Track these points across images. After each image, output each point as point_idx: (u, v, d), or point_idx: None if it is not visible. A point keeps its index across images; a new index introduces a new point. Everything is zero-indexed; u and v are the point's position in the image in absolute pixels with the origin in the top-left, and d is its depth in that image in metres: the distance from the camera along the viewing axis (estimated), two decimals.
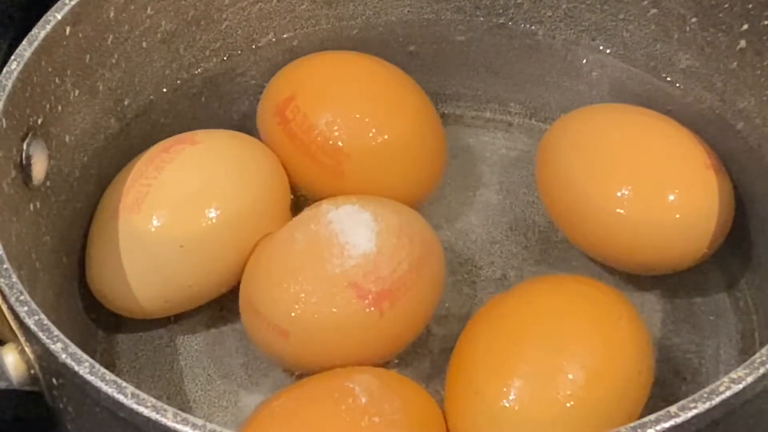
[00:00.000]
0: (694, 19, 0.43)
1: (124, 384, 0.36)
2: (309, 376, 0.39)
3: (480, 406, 0.37)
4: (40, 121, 0.43)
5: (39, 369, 0.38)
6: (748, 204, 0.42)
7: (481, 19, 0.46)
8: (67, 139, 0.43)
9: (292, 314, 0.39)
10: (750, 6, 0.40)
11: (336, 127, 0.42)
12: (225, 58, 0.45)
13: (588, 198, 0.41)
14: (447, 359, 0.39)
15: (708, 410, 0.34)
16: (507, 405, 0.36)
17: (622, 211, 0.41)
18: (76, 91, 0.43)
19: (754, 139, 0.42)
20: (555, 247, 0.43)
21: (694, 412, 0.35)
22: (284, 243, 0.40)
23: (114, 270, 0.40)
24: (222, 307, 0.42)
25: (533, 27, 0.45)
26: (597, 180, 0.41)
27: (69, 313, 0.38)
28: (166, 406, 0.36)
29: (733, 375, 0.34)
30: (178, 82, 0.44)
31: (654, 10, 0.44)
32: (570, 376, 0.37)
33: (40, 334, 0.36)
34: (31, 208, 0.41)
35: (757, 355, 0.35)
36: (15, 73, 0.39)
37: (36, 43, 0.39)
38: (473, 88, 0.46)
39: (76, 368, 0.36)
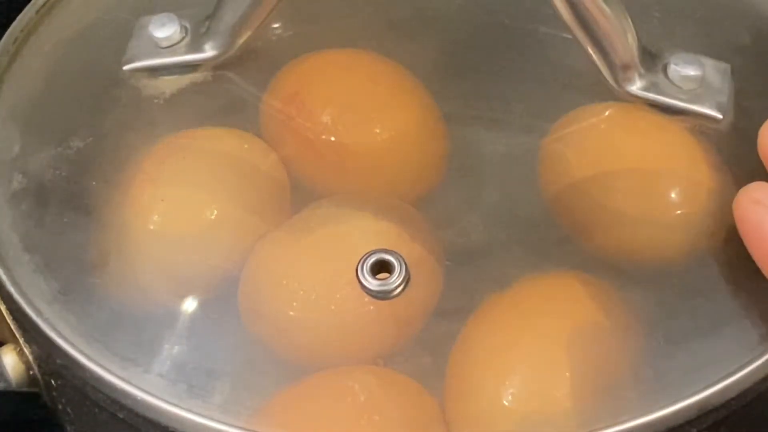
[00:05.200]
0: (697, 22, 0.43)
1: (123, 385, 0.36)
2: (308, 374, 0.39)
3: (480, 406, 0.37)
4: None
5: (38, 370, 0.38)
6: None
7: (483, 17, 0.46)
8: None
9: (291, 312, 0.39)
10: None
11: (341, 124, 0.42)
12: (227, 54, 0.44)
13: (590, 196, 0.41)
14: (446, 358, 0.39)
15: (709, 411, 0.34)
16: (507, 404, 0.36)
17: (624, 209, 0.41)
18: None
19: (757, 138, 0.42)
20: (556, 246, 0.43)
21: (695, 413, 0.35)
22: (284, 241, 0.40)
23: (113, 267, 0.40)
24: (221, 305, 0.42)
25: (535, 25, 0.45)
26: (599, 178, 0.41)
27: (67, 314, 0.38)
28: (165, 407, 0.36)
29: (734, 376, 0.35)
30: None
31: (657, 14, 0.44)
32: (570, 375, 0.37)
33: (39, 335, 0.36)
34: (29, 205, 0.41)
35: (759, 356, 0.35)
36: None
37: None
38: (475, 87, 0.46)
39: (75, 369, 0.36)
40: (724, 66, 0.43)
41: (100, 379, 0.36)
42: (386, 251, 0.38)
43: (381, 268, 0.38)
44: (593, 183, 0.41)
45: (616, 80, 0.42)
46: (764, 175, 0.42)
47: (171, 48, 0.44)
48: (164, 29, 0.43)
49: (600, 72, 0.42)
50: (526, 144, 0.44)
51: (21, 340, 0.38)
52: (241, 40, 0.43)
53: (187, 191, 0.41)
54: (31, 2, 0.45)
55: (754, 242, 0.35)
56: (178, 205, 0.41)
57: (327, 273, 0.39)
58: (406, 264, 0.38)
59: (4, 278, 0.39)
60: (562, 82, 0.45)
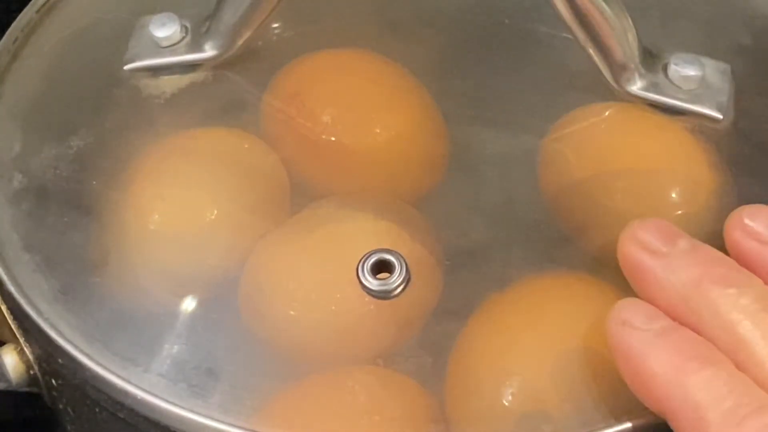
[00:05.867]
0: (697, 22, 0.43)
1: (123, 384, 0.36)
2: (308, 374, 0.38)
3: (480, 405, 0.37)
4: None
5: (38, 370, 0.38)
6: (751, 202, 0.42)
7: (483, 17, 0.46)
8: None
9: (291, 312, 0.39)
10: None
11: (341, 124, 0.42)
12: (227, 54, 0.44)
13: (590, 196, 0.41)
14: (446, 358, 0.39)
15: None
16: (507, 404, 0.36)
17: (624, 209, 0.41)
18: None
19: (757, 138, 0.42)
20: (556, 246, 0.43)
21: None
22: (284, 241, 0.40)
23: (113, 266, 0.40)
24: (221, 305, 0.42)
25: (535, 25, 0.45)
26: (599, 178, 0.41)
27: (68, 313, 0.38)
28: (165, 407, 0.36)
29: None
30: None
31: (657, 14, 0.44)
32: (570, 375, 0.37)
33: (40, 335, 0.36)
34: (30, 205, 0.41)
35: None
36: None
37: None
38: (475, 87, 0.46)
39: (75, 369, 0.36)
40: (724, 66, 0.43)
41: (100, 379, 0.36)
42: (386, 251, 0.38)
43: (381, 267, 0.38)
44: (593, 183, 0.41)
45: (616, 80, 0.42)
46: (765, 175, 0.42)
47: (171, 48, 0.44)
48: (164, 29, 0.43)
49: (600, 72, 0.42)
50: (526, 144, 0.44)
51: (21, 340, 0.38)
52: (241, 40, 0.43)
53: (187, 191, 0.41)
54: (31, 2, 0.45)
55: (624, 369, 0.33)
56: (178, 205, 0.41)
57: (327, 273, 0.39)
58: (406, 264, 0.38)
59: (5, 278, 0.39)
60: (562, 82, 0.45)
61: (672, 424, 0.32)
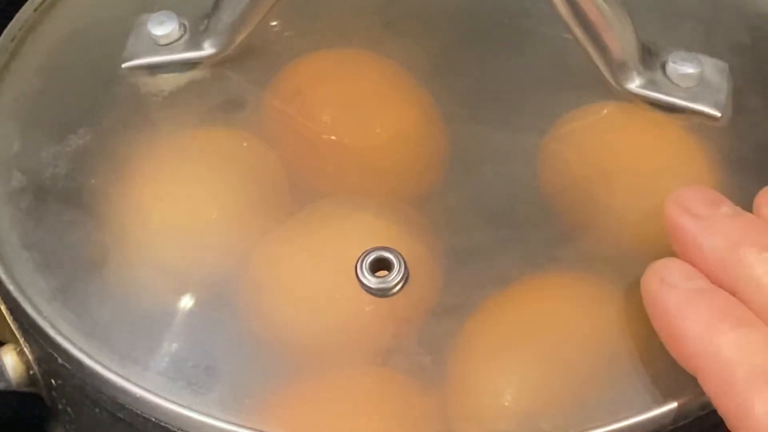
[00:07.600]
0: (696, 20, 0.43)
1: (123, 383, 0.36)
2: (308, 373, 0.38)
3: (480, 405, 0.37)
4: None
5: (38, 370, 0.38)
6: (749, 200, 0.42)
7: (483, 17, 0.46)
8: None
9: (291, 311, 0.39)
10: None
11: (341, 124, 0.42)
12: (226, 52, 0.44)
13: (589, 195, 0.41)
14: (446, 357, 0.39)
15: (711, 411, 0.34)
16: (507, 403, 0.37)
17: (623, 208, 0.41)
18: None
19: (755, 136, 0.42)
20: (556, 246, 0.43)
21: (696, 412, 0.35)
22: (284, 240, 0.40)
23: (112, 265, 0.40)
24: (221, 304, 0.42)
25: (535, 25, 0.45)
26: (598, 177, 0.41)
27: (67, 312, 0.38)
28: (165, 407, 0.36)
29: None
30: None
31: (656, 12, 0.44)
32: (569, 374, 0.37)
33: (39, 334, 0.36)
34: (28, 203, 0.41)
35: None
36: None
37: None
38: (475, 87, 0.46)
39: (75, 368, 0.36)
40: (723, 64, 0.43)
41: (99, 378, 0.36)
42: (385, 249, 0.39)
43: (380, 265, 0.38)
44: (593, 182, 0.41)
45: (615, 78, 0.42)
46: (763, 172, 0.42)
47: (170, 46, 0.44)
48: (163, 27, 0.43)
49: (599, 70, 0.42)
50: (526, 144, 0.44)
51: (21, 340, 0.38)
52: (240, 38, 0.43)
53: (186, 190, 0.41)
54: (29, 0, 0.45)
55: (659, 326, 0.34)
56: (177, 204, 0.41)
57: (327, 272, 0.39)
58: (405, 262, 0.38)
59: (4, 277, 0.39)
60: (562, 82, 0.45)
61: (701, 382, 0.32)
